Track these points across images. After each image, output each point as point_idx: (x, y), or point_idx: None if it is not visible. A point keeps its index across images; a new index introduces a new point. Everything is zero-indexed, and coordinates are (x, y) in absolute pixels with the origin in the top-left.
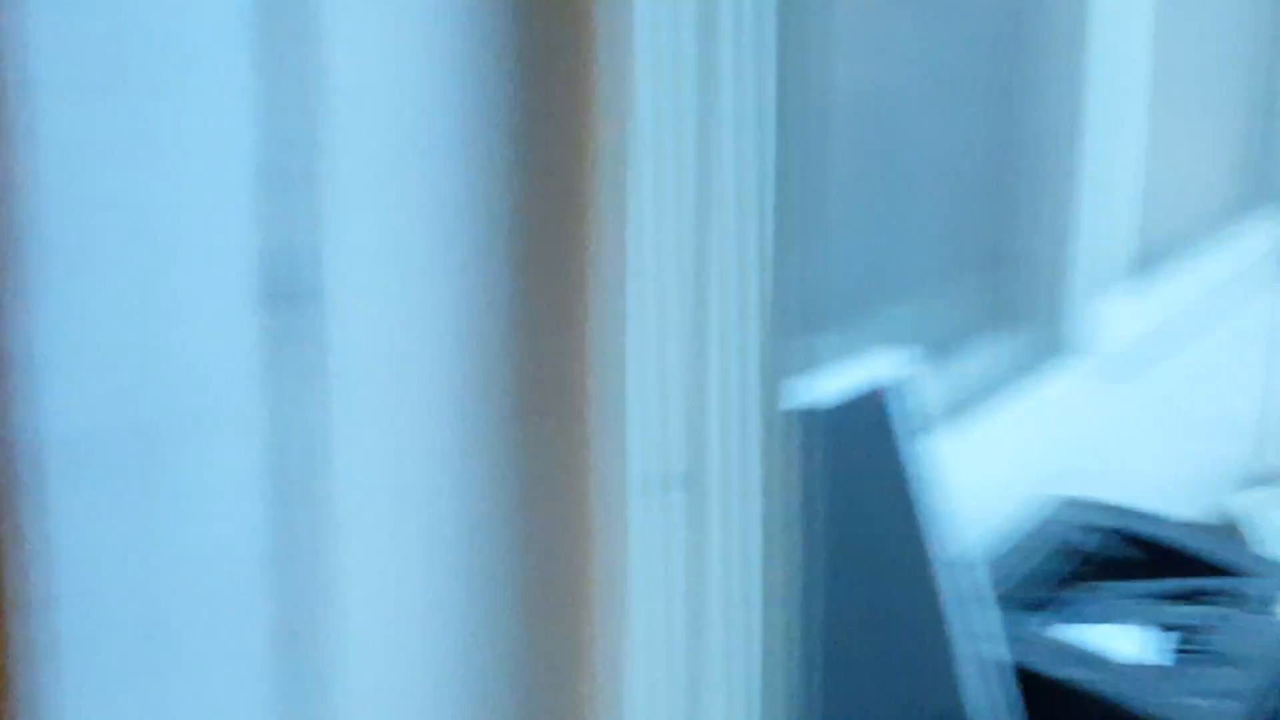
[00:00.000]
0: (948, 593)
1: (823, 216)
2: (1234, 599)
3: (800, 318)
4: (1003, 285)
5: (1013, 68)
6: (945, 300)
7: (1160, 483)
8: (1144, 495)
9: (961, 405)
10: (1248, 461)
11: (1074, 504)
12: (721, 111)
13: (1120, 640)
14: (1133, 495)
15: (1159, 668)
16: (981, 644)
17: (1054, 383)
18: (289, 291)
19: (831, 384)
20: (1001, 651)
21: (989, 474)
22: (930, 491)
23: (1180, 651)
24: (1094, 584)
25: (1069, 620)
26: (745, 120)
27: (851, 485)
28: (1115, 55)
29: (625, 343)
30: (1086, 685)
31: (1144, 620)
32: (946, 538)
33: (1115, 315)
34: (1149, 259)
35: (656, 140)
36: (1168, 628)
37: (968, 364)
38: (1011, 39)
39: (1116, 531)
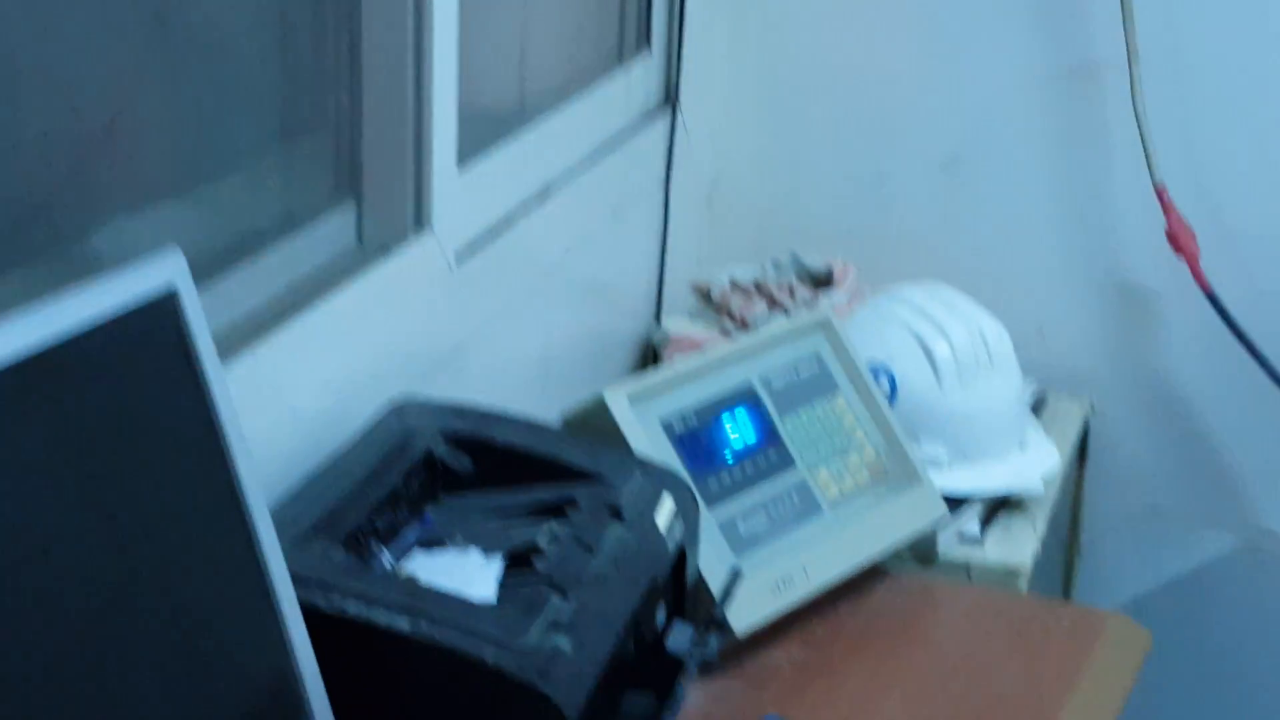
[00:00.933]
0: (263, 533)
1: None
2: (598, 509)
3: None
4: (330, 158)
5: None
6: (266, 179)
7: (526, 378)
8: (507, 393)
9: (285, 299)
10: (642, 341)
11: (409, 406)
12: None
13: (459, 571)
14: (494, 393)
15: (496, 605)
16: (305, 591)
17: (396, 266)
18: None
19: (103, 295)
20: (318, 596)
21: (319, 377)
22: (233, 414)
23: (527, 581)
24: (431, 501)
25: (398, 550)
26: None
27: (136, 415)
28: None
29: None
30: (411, 632)
31: (488, 543)
32: (248, 465)
33: (468, 188)
34: (521, 120)
35: None
36: (516, 553)
37: (291, 250)
38: None
39: (459, 437)
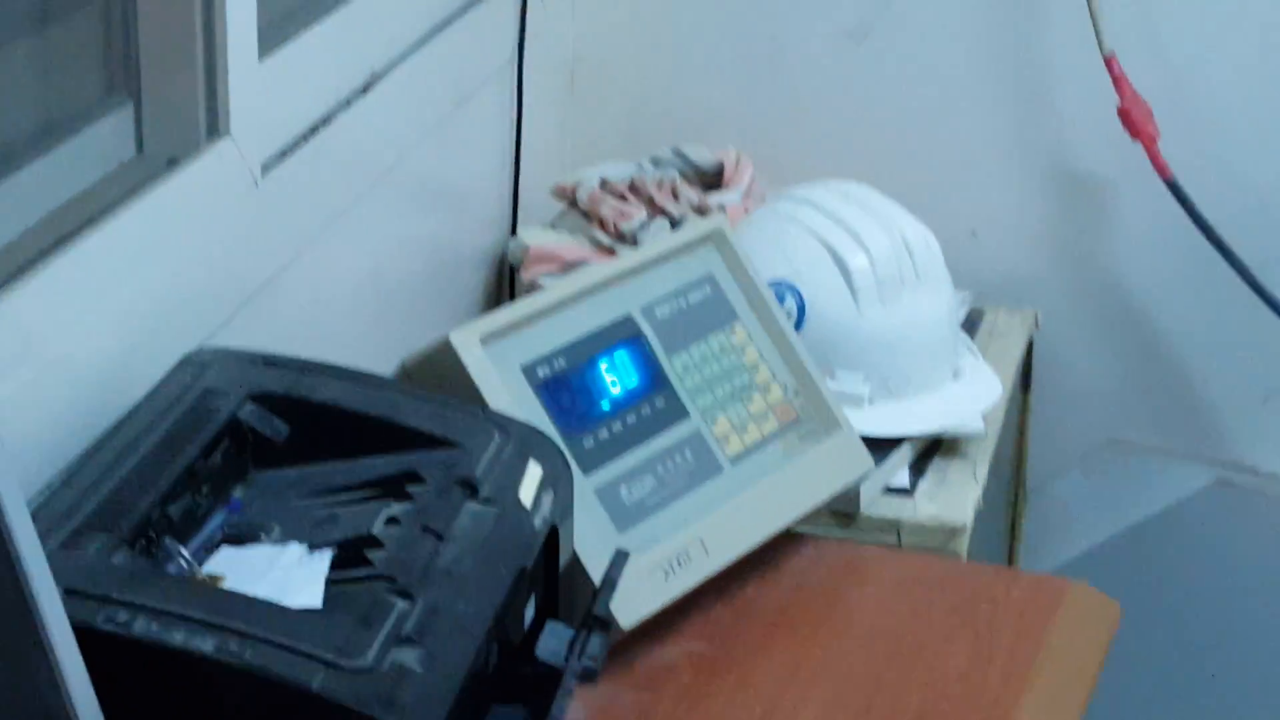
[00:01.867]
0: (18, 532)
1: None
2: (447, 484)
3: None
4: (99, 48)
5: None
6: (14, 76)
7: (355, 317)
8: (332, 337)
9: (44, 228)
10: (496, 258)
11: (208, 359)
12: None
13: (276, 571)
14: (315, 339)
15: (324, 614)
16: (79, 607)
17: (186, 182)
18: None
19: None
20: (95, 613)
21: (91, 326)
22: None
23: (362, 581)
24: (239, 481)
25: (198, 546)
26: None
27: None
28: None
29: None
30: (216, 655)
31: (312, 534)
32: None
33: (273, 81)
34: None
35: None
36: (347, 544)
37: (52, 166)
38: None
39: (272, 395)
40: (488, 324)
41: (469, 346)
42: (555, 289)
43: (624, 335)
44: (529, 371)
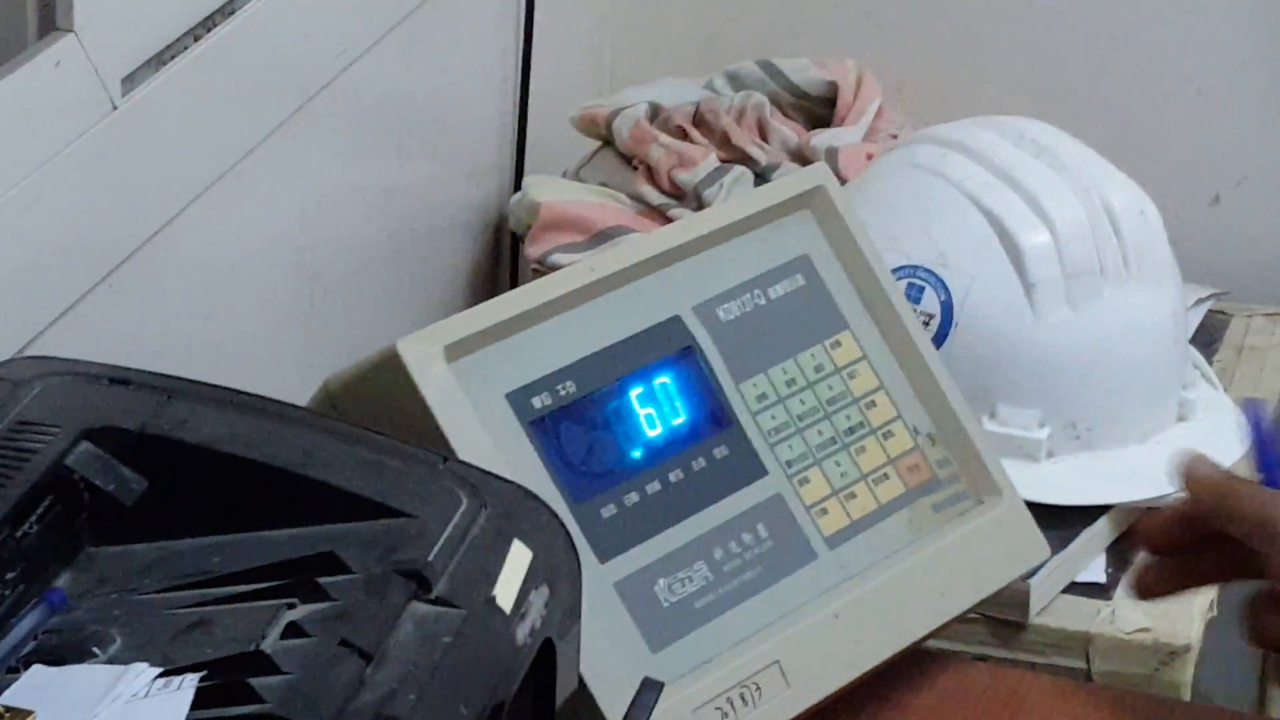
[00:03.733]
0: None
1: None
2: (383, 575)
3: None
4: None
5: None
6: None
7: (268, 309)
8: (229, 342)
9: None
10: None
11: (31, 374)
12: None
13: (112, 709)
14: (201, 343)
15: None
16: None
17: (8, 102)
18: None
19: None
20: None
21: None
22: None
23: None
24: (66, 562)
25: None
26: None
27: None
28: None
29: None
30: None
31: (171, 650)
32: None
33: None
34: None
35: None
36: (224, 668)
37: None
38: None
39: (124, 433)
40: (456, 329)
41: (426, 363)
42: (563, 277)
43: (669, 349)
44: (519, 402)
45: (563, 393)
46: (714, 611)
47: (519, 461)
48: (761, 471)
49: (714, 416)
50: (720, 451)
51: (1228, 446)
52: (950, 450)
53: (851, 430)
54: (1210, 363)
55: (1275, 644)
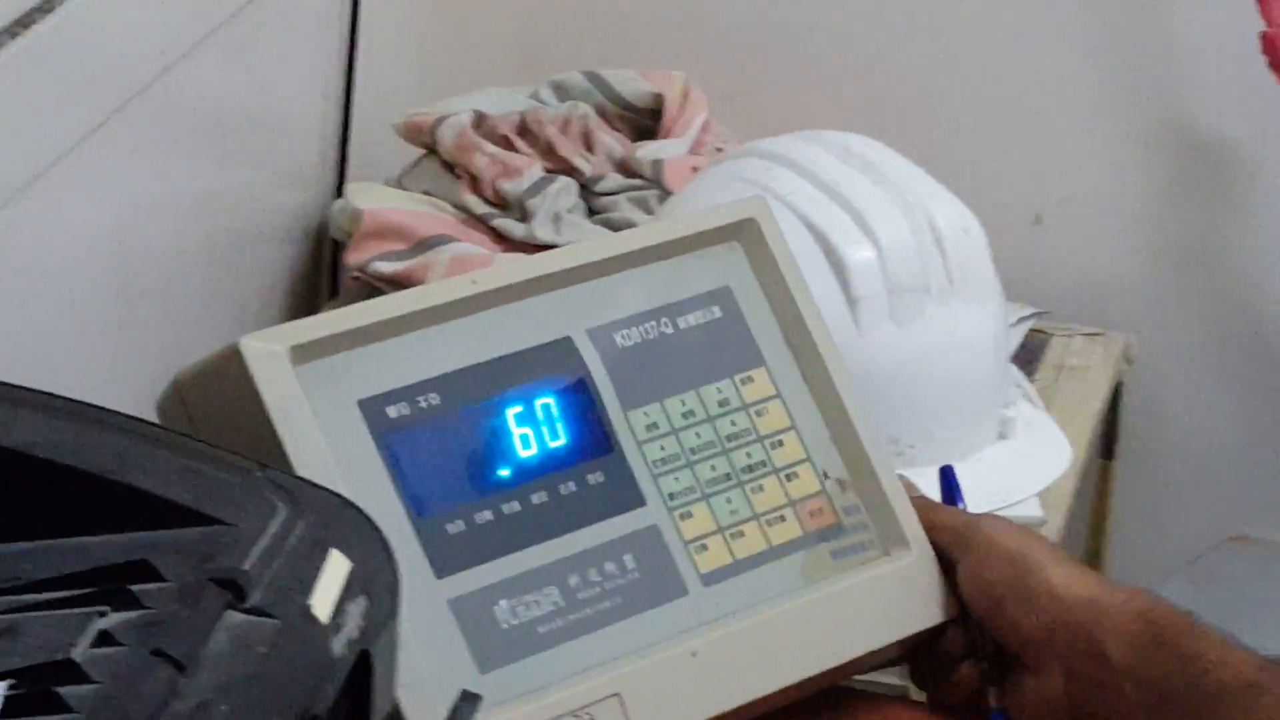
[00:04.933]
0: None
1: None
2: (197, 583)
3: None
4: None
5: None
6: None
7: (80, 311)
8: (40, 342)
9: None
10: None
11: None
12: None
13: None
14: (11, 343)
15: None
16: None
17: None
18: None
19: None
20: None
21: None
22: None
23: None
24: None
25: None
26: None
27: None
28: None
29: None
30: None
31: None
32: None
33: None
34: None
35: None
36: (30, 677)
37: None
38: None
39: None
40: (306, 331)
41: (269, 362)
42: (443, 288)
43: (555, 369)
44: (371, 410)
45: (424, 404)
46: (558, 638)
47: (363, 470)
48: (639, 501)
49: (595, 442)
50: (596, 477)
51: (1048, 464)
52: (861, 497)
53: (751, 469)
54: (1031, 381)
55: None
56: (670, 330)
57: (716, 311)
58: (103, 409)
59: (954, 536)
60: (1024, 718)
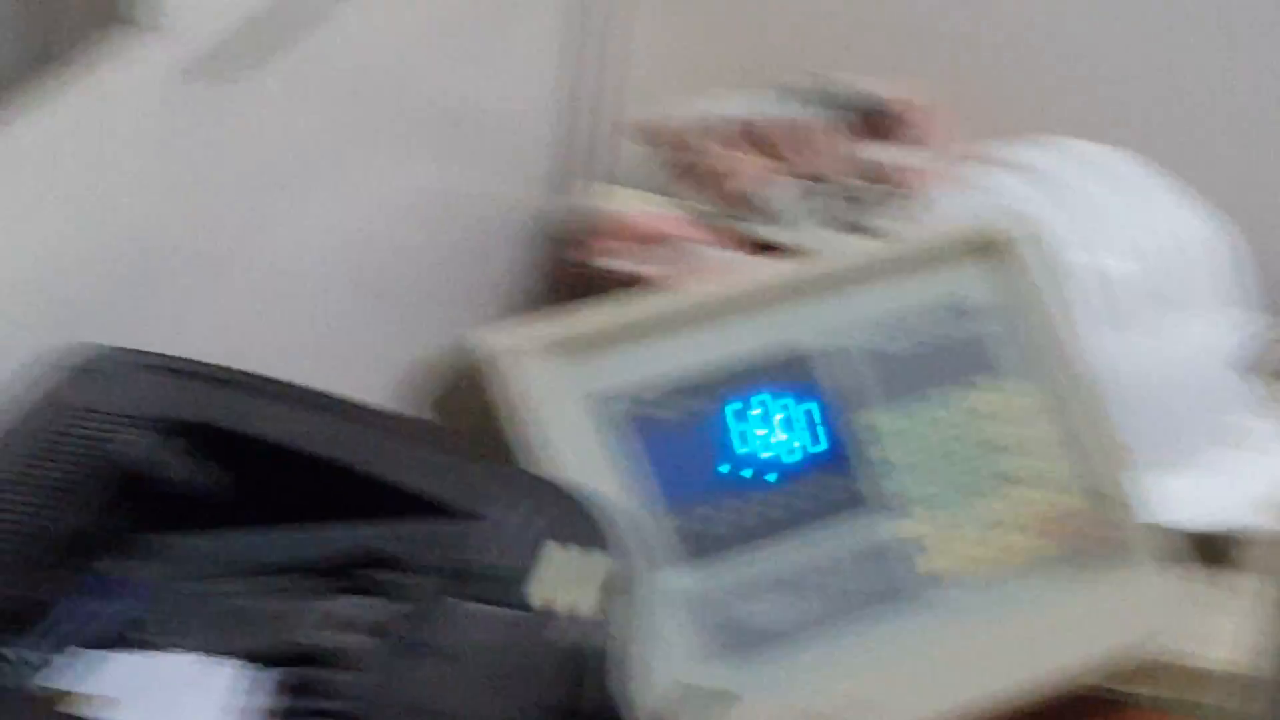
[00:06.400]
0: None
1: None
2: (444, 574)
3: None
4: None
5: None
6: None
7: (330, 307)
8: (291, 337)
9: None
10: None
11: (95, 364)
12: None
13: (175, 700)
14: (264, 338)
15: None
16: None
17: (90, 89)
18: None
19: None
20: None
21: None
22: None
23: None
24: (128, 554)
25: (54, 651)
26: None
27: None
28: None
29: None
30: None
31: (236, 641)
32: None
33: None
34: None
35: None
36: (289, 660)
37: None
38: None
39: (191, 426)
40: (556, 328)
41: (517, 359)
42: (690, 291)
43: (800, 374)
44: (615, 406)
45: (668, 403)
46: (802, 637)
47: (608, 465)
48: (880, 506)
49: (836, 447)
50: (836, 480)
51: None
52: (1101, 511)
53: (994, 477)
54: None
55: None
56: (912, 340)
57: (969, 323)
58: (348, 400)
59: None
60: None
